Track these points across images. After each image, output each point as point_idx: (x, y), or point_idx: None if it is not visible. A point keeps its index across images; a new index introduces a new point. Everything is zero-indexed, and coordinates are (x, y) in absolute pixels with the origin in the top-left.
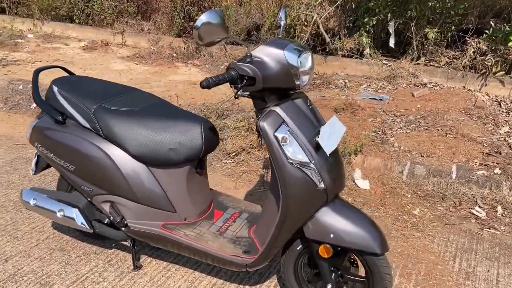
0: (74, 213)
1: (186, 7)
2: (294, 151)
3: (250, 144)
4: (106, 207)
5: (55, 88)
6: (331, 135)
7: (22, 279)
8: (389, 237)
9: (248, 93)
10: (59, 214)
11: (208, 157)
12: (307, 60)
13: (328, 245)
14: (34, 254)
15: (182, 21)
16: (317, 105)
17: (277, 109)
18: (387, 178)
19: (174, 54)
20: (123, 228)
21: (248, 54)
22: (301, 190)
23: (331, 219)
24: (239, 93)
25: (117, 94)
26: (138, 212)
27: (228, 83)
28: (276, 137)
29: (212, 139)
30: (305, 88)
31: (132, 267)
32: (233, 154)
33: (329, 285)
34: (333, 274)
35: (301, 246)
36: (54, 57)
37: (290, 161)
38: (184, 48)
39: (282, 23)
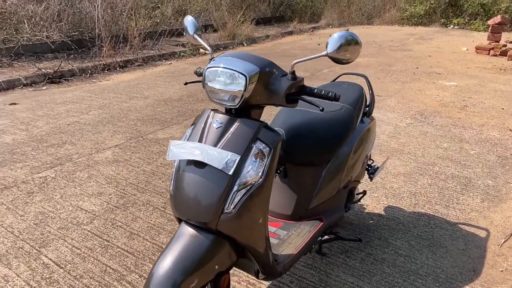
0: None
1: None
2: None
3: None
4: None
5: None
6: (198, 153)
7: None
8: None
9: None
10: None
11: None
12: (218, 76)
13: None
14: None
15: None
16: None
17: (204, 112)
18: None
19: None
20: None
21: (210, 58)
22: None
23: (171, 241)
24: None
25: None
26: None
27: None
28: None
29: None
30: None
31: None
32: None
33: None
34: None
35: None
36: None
37: None
38: None
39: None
